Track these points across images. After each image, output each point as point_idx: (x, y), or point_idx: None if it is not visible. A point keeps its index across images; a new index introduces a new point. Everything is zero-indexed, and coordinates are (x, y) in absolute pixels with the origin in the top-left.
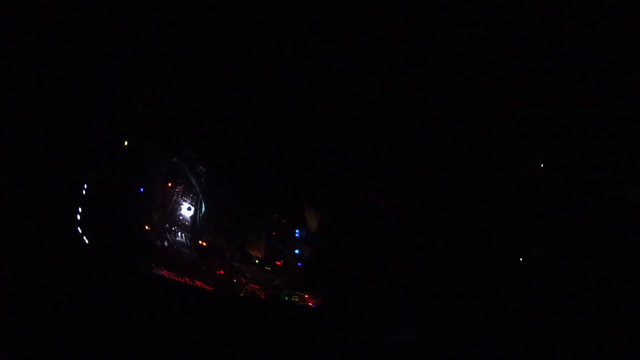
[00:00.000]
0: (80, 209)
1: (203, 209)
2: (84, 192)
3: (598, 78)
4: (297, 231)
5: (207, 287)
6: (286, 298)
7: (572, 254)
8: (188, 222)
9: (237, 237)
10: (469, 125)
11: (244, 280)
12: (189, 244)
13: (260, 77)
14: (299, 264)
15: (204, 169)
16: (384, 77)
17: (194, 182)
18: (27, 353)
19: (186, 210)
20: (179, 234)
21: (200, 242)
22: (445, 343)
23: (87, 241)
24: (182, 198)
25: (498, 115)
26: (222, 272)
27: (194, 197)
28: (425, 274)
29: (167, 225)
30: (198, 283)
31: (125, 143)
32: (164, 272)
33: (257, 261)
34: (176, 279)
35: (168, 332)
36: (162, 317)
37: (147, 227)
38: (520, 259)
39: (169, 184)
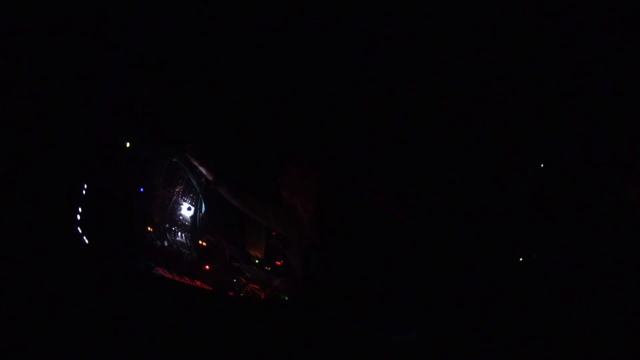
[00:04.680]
0: (80, 209)
1: (203, 209)
2: (84, 192)
3: (598, 78)
4: None
5: (207, 287)
6: (286, 298)
7: (572, 254)
8: (188, 222)
9: (237, 237)
10: (469, 125)
11: (244, 280)
12: (189, 244)
13: (261, 77)
14: None
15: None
16: (383, 76)
17: (194, 182)
18: (27, 353)
19: (186, 210)
20: (179, 234)
21: (200, 242)
22: (445, 343)
23: (87, 241)
24: (182, 198)
25: (498, 115)
26: (222, 272)
27: (194, 197)
28: (426, 274)
29: (167, 225)
30: (198, 283)
31: (128, 145)
32: (164, 272)
33: (257, 261)
34: (176, 279)
35: (168, 332)
36: (162, 317)
37: (147, 227)
38: (520, 259)
39: (169, 184)
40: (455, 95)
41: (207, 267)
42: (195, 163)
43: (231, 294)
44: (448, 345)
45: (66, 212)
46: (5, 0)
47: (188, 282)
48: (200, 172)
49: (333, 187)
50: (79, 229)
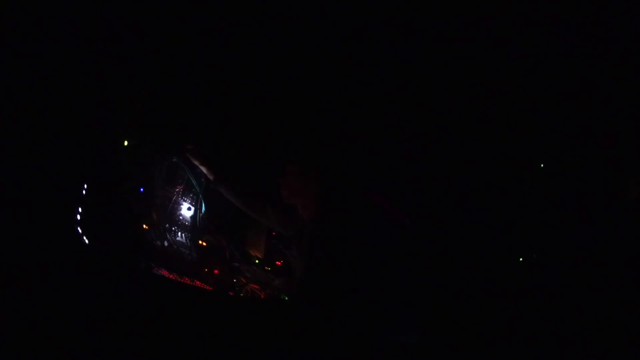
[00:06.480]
0: (80, 209)
1: (203, 209)
2: (84, 192)
3: (598, 77)
4: None
5: (207, 287)
6: (286, 298)
7: (572, 254)
8: (188, 222)
9: (237, 237)
10: (468, 125)
11: (244, 280)
12: (189, 244)
13: (261, 77)
14: None
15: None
16: (382, 76)
17: (194, 182)
18: (27, 353)
19: (186, 210)
20: (179, 234)
21: (200, 242)
22: (446, 343)
23: (87, 241)
24: (182, 198)
25: (498, 115)
26: (222, 272)
27: (194, 197)
28: (426, 274)
29: (167, 225)
30: (198, 283)
31: (125, 143)
32: (164, 272)
33: (257, 261)
34: (176, 279)
35: (168, 332)
36: (162, 317)
37: (147, 227)
38: (520, 259)
39: (169, 184)
40: (455, 95)
41: (207, 267)
42: (195, 163)
43: (231, 294)
44: (449, 346)
45: (66, 212)
46: (6, 0)
47: (188, 282)
48: (200, 172)
49: (333, 187)
50: (79, 229)
